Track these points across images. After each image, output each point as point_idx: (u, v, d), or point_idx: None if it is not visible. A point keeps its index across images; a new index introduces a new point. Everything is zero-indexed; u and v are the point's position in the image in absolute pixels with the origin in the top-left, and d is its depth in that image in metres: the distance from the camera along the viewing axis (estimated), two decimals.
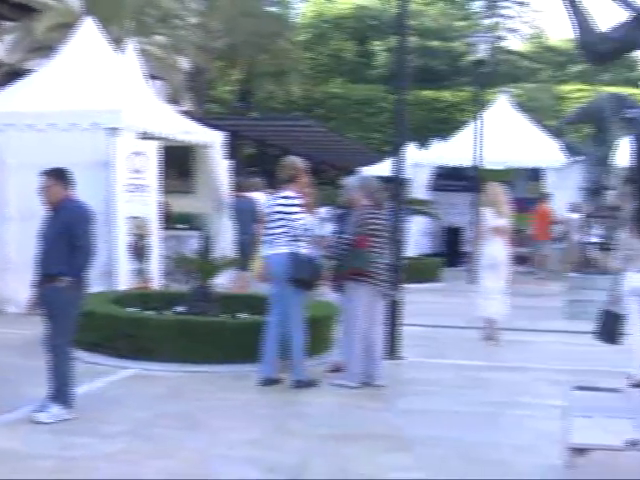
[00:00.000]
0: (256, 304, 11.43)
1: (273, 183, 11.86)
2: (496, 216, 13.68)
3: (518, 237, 25.36)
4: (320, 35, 45.75)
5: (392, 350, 11.69)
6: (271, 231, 10.09)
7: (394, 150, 12.72)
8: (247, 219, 15.10)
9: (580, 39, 6.35)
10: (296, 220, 9.93)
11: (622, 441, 5.77)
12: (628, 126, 6.60)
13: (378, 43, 44.31)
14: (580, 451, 5.79)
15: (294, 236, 9.92)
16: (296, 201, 10.01)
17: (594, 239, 17.48)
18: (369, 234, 10.03)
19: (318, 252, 10.24)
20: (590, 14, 6.33)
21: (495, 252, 13.66)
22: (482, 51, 25.63)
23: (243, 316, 11.80)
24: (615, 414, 6.53)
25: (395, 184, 12.44)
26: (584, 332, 13.51)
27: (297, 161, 10.44)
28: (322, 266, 10.21)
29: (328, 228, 10.81)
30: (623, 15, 6.31)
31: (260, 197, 15.37)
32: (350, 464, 7.23)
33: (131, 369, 10.62)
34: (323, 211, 12.31)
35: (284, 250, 9.91)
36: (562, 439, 6.21)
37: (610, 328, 8.36)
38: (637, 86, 40.07)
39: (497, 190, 13.95)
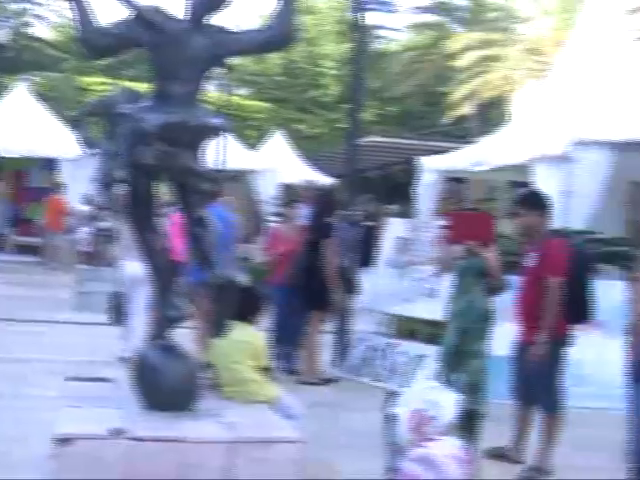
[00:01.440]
0: None
1: None
2: None
3: (30, 227, 25.24)
4: None
5: None
6: None
7: None
8: None
9: (80, 32, 6.39)
10: None
11: (106, 430, 5.98)
12: (121, 121, 6.73)
13: None
14: (66, 441, 5.91)
15: None
16: None
17: (103, 231, 17.84)
18: None
19: None
20: (91, 7, 6.39)
21: None
22: (3, 35, 25.15)
23: None
24: (105, 404, 6.74)
25: None
26: (90, 323, 13.88)
27: None
28: None
29: None
30: (125, 12, 6.46)
31: None
32: None
33: None
34: None
35: None
36: (52, 430, 6.31)
37: (115, 309, 8.63)
38: None
39: None
